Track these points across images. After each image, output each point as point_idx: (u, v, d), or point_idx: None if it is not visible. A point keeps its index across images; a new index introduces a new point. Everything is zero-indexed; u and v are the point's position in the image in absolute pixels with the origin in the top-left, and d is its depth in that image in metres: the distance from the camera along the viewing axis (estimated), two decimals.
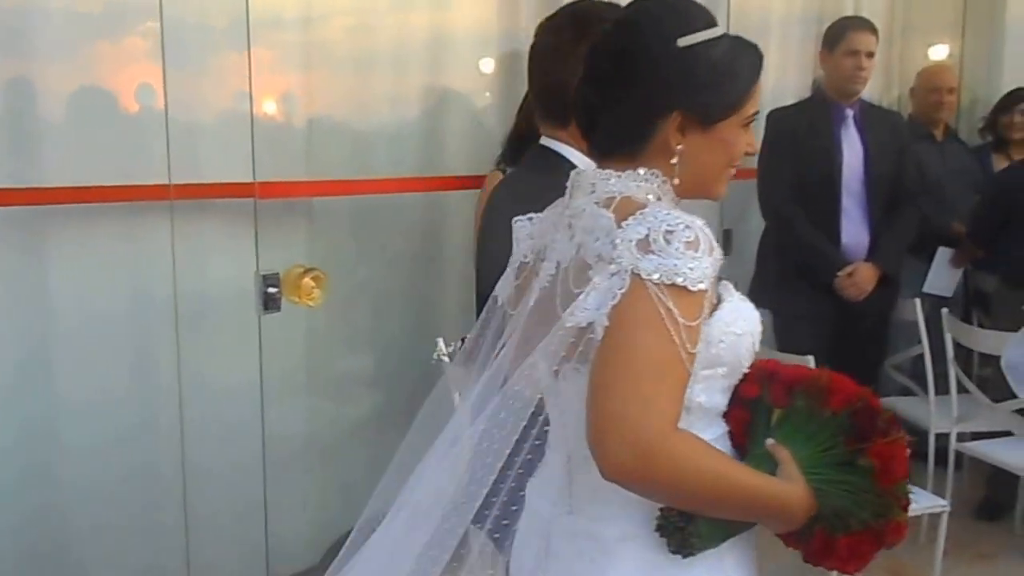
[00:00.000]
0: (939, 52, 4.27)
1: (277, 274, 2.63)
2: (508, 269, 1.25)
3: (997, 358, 3.14)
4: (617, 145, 1.13)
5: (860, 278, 3.06)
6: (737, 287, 1.19)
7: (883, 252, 3.10)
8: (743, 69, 1.12)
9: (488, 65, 3.18)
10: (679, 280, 0.98)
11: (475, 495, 1.12)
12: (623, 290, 0.99)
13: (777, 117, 3.19)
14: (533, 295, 1.12)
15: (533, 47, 1.61)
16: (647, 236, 1.00)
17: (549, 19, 1.61)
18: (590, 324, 1.01)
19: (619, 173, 1.10)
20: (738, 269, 3.84)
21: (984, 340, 3.08)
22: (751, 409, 1.12)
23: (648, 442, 0.96)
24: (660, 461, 0.97)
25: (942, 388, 3.25)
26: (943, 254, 3.57)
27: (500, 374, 1.15)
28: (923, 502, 2.63)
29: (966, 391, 3.14)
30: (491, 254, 1.56)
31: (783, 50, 3.80)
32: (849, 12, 3.69)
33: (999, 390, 3.02)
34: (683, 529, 1.04)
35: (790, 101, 3.49)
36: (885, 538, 1.08)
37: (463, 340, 2.29)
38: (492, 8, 3.11)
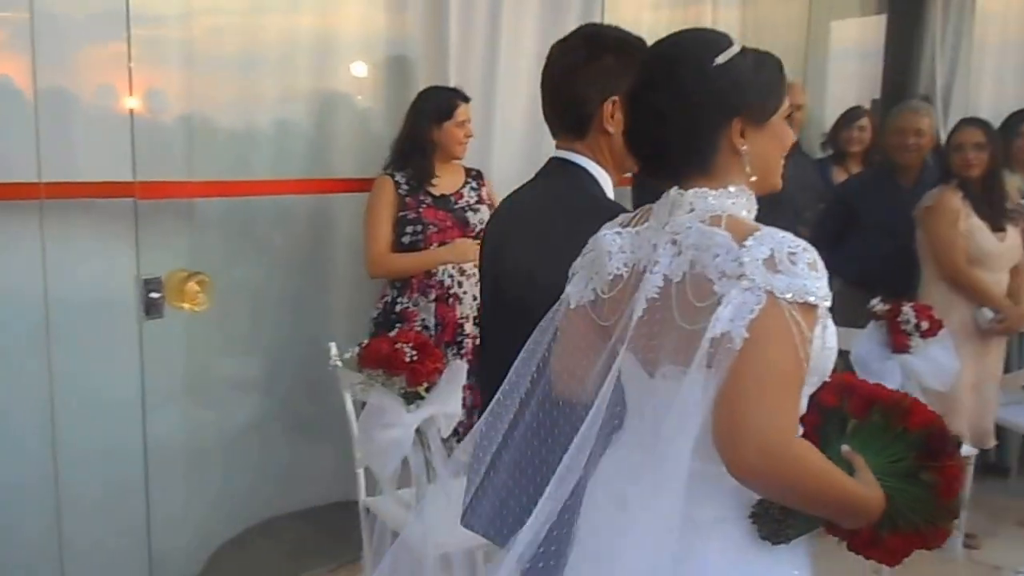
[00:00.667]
0: None
1: (159, 278, 2.52)
2: (579, 277, 1.31)
3: (845, 353, 3.47)
4: (690, 164, 1.23)
5: None
6: None
7: None
8: (773, 70, 1.27)
9: (373, 69, 3.19)
10: (811, 299, 1.10)
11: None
12: (760, 306, 1.08)
13: None
14: (639, 305, 1.18)
15: (547, 68, 1.66)
16: (772, 256, 1.10)
17: (562, 42, 1.66)
18: (725, 334, 1.09)
19: (714, 191, 1.21)
20: None
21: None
22: (826, 416, 1.24)
23: (776, 446, 1.07)
24: (785, 464, 1.08)
25: None
26: None
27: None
28: None
29: None
30: (514, 261, 1.63)
31: None
32: None
33: None
34: (781, 521, 1.16)
35: None
36: (930, 541, 1.23)
37: (360, 345, 2.30)
38: (379, 11, 3.12)
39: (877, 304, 3.01)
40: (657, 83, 1.23)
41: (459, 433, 2.40)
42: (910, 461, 1.21)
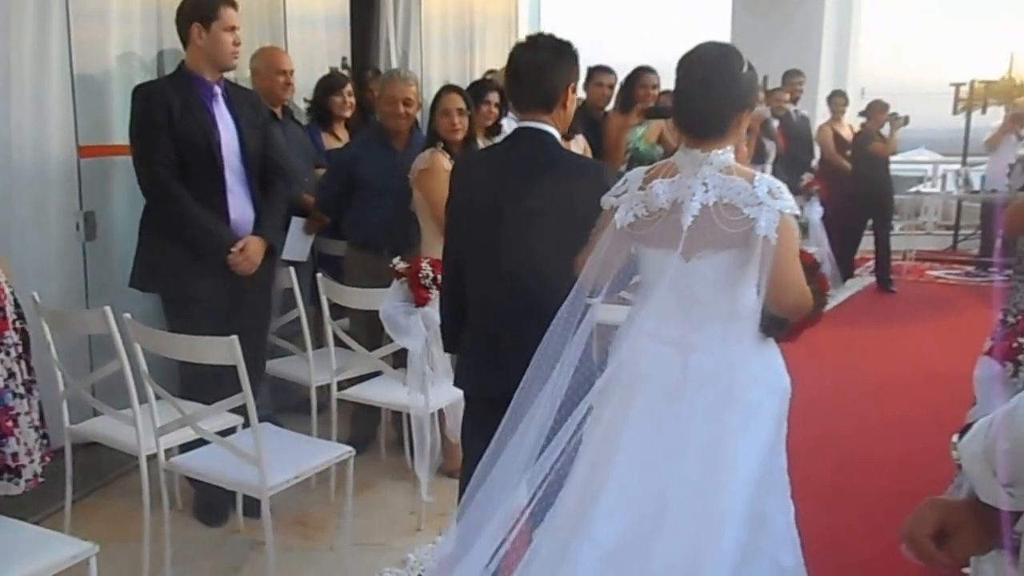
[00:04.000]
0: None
1: None
2: (623, 208, 2.01)
3: (358, 313, 3.58)
4: (715, 132, 1.98)
5: (251, 252, 3.12)
6: None
7: (265, 225, 3.21)
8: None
9: None
10: (797, 211, 1.96)
11: None
12: (778, 219, 1.89)
13: (147, 91, 3.03)
14: (687, 220, 1.91)
15: (513, 64, 2.34)
16: (770, 190, 1.92)
17: (524, 44, 2.36)
18: (766, 237, 1.87)
19: (721, 151, 1.98)
20: (102, 254, 3.56)
21: (354, 297, 3.44)
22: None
23: (804, 291, 2.01)
24: (805, 298, 2.02)
25: (317, 346, 3.59)
26: (297, 223, 3.87)
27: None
28: (331, 452, 2.87)
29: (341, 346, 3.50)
30: (468, 206, 2.38)
31: None
32: None
33: (366, 339, 3.46)
34: (776, 325, 2.03)
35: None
36: (815, 322, 2.16)
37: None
38: None
39: (399, 263, 3.17)
40: (713, 79, 1.97)
41: None
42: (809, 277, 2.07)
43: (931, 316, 6.90)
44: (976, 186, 8.73)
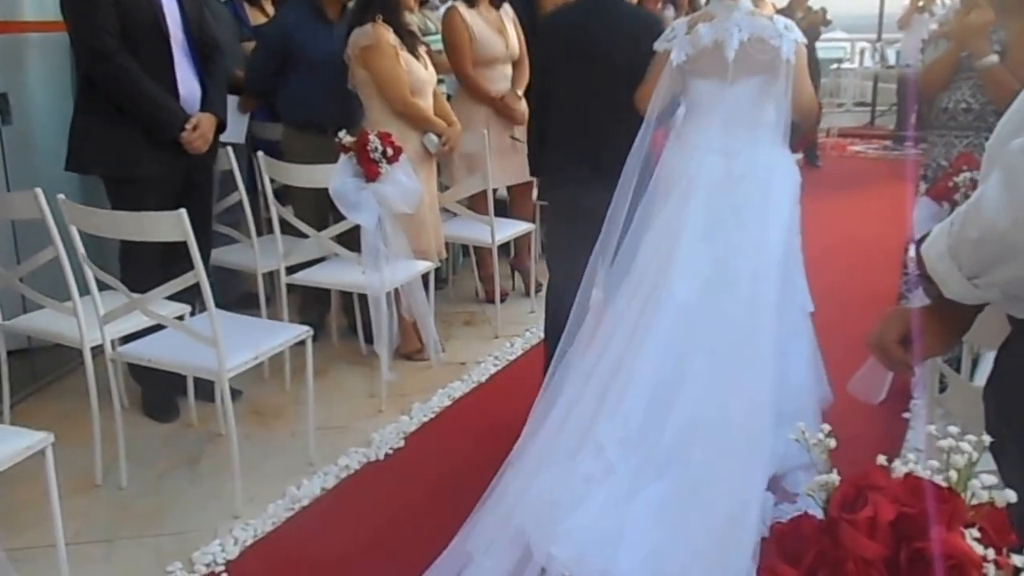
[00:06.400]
0: None
1: None
2: (676, 48, 2.56)
3: (303, 196, 3.41)
4: None
5: (205, 129, 2.92)
6: None
7: (214, 101, 3.00)
8: None
9: None
10: (805, 40, 2.56)
11: None
12: (795, 46, 2.50)
13: None
14: (730, 54, 2.49)
15: None
16: (786, 25, 2.52)
17: None
18: (788, 59, 2.48)
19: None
20: (20, 138, 3.29)
21: (300, 175, 3.27)
22: None
23: (814, 102, 2.75)
24: (815, 107, 2.76)
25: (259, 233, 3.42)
26: (231, 102, 3.60)
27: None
28: (288, 333, 2.77)
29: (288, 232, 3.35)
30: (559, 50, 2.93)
31: None
32: None
33: (315, 224, 3.32)
34: (795, 131, 2.60)
35: None
36: None
37: None
38: None
39: (345, 137, 3.02)
40: None
41: None
42: None
43: (853, 188, 7.12)
44: (892, 61, 8.88)
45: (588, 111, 2.82)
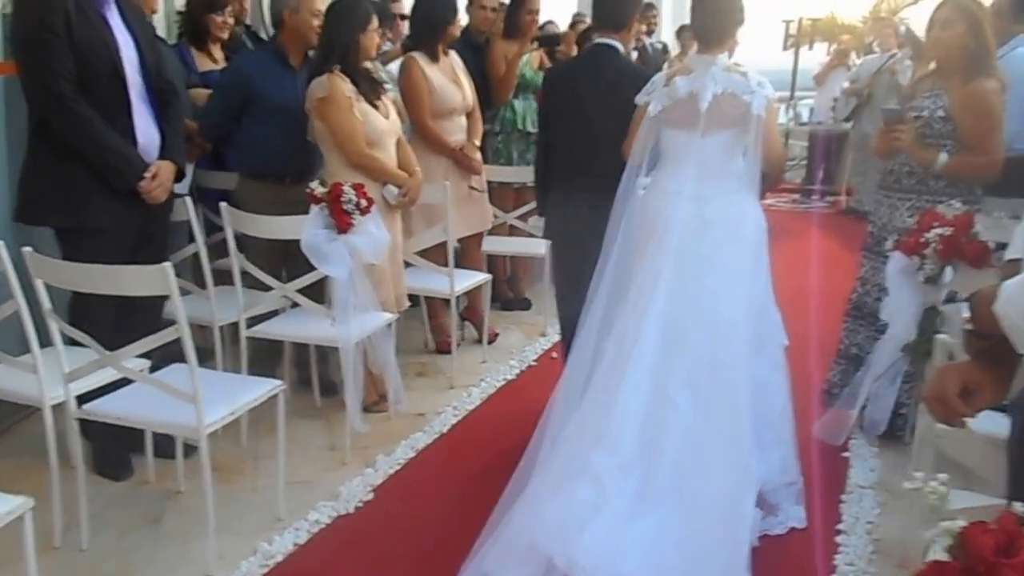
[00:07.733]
0: None
1: None
2: (654, 100, 2.77)
3: (256, 246, 3.35)
4: (720, 41, 2.76)
5: (164, 178, 2.84)
6: None
7: (173, 148, 2.93)
8: None
9: None
10: (775, 96, 2.74)
11: None
12: (766, 103, 2.65)
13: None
14: (704, 106, 2.66)
15: None
16: (759, 82, 2.68)
17: None
18: (758, 115, 2.64)
19: (721, 56, 2.73)
20: None
21: (267, 226, 3.16)
22: None
23: (781, 156, 3.07)
24: (782, 161, 3.19)
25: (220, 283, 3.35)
26: None
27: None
28: (262, 388, 2.71)
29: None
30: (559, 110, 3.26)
31: None
32: None
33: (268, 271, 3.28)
34: (763, 180, 2.69)
35: None
36: None
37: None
38: None
39: (317, 187, 3.01)
40: (723, 6, 2.79)
41: None
42: None
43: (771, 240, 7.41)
44: (805, 118, 9.39)
45: (582, 160, 3.13)
